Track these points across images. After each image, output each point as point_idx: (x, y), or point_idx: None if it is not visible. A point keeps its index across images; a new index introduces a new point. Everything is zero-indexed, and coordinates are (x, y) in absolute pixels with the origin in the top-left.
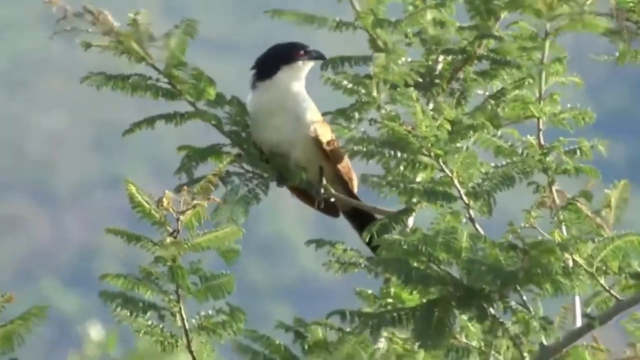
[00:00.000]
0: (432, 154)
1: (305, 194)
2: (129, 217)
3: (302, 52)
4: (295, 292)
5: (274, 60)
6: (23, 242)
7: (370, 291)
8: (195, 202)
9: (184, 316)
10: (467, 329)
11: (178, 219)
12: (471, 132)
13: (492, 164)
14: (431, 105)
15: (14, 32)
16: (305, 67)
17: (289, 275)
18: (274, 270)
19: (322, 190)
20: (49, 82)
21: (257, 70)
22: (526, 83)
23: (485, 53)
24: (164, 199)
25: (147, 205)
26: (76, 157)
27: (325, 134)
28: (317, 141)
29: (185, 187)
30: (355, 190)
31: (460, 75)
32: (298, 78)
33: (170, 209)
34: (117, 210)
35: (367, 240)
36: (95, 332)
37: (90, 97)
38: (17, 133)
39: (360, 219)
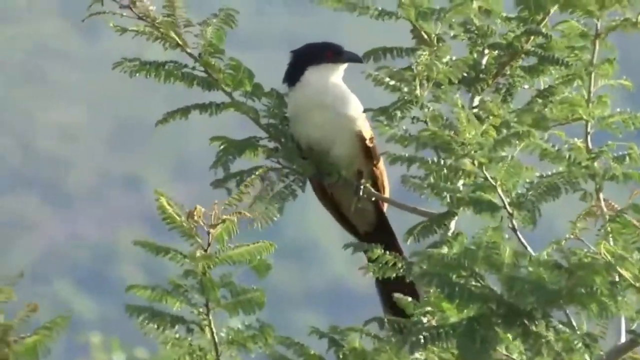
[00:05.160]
0: (475, 161)
1: (335, 201)
2: (146, 218)
3: (331, 53)
4: (326, 298)
5: (300, 63)
6: (36, 242)
7: (410, 299)
8: (225, 217)
9: (214, 329)
10: (507, 340)
11: (209, 233)
12: (516, 141)
13: (537, 173)
14: (476, 101)
15: (31, 19)
16: (336, 68)
17: (319, 281)
18: (303, 275)
19: (362, 188)
20: (66, 74)
21: (286, 76)
22: (575, 84)
23: (532, 49)
24: (195, 213)
25: (178, 218)
26: (93, 154)
27: (368, 130)
28: (360, 137)
29: (215, 202)
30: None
31: (507, 70)
32: (328, 77)
33: (201, 222)
34: (136, 210)
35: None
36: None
37: (110, 91)
38: (31, 128)
39: (383, 240)
